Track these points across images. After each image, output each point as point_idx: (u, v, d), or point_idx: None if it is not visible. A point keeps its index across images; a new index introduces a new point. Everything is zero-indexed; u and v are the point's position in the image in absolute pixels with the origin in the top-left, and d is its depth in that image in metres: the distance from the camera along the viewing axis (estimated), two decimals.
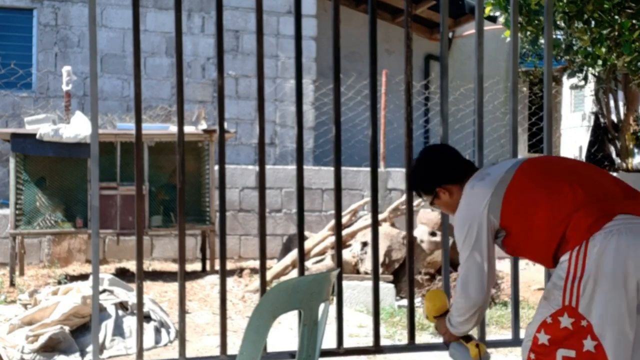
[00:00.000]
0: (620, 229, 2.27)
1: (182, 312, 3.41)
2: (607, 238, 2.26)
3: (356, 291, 5.98)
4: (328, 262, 6.44)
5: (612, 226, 2.27)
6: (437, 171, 2.77)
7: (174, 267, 7.92)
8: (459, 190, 2.68)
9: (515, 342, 3.69)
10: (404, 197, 6.96)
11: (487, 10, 8.59)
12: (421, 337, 4.80)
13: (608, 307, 2.25)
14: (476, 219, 2.54)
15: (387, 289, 5.90)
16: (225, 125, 7.08)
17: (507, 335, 4.59)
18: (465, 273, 2.58)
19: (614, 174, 9.42)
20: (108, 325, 4.72)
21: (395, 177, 8.88)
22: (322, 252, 6.67)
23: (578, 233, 2.31)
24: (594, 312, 2.26)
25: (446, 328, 2.74)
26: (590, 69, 9.60)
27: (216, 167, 7.10)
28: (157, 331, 4.89)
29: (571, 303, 2.30)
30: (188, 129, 7.10)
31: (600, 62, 8.49)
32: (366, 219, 6.78)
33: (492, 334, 5.01)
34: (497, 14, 9.06)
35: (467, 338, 2.71)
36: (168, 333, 4.94)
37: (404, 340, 4.61)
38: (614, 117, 10.65)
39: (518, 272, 3.72)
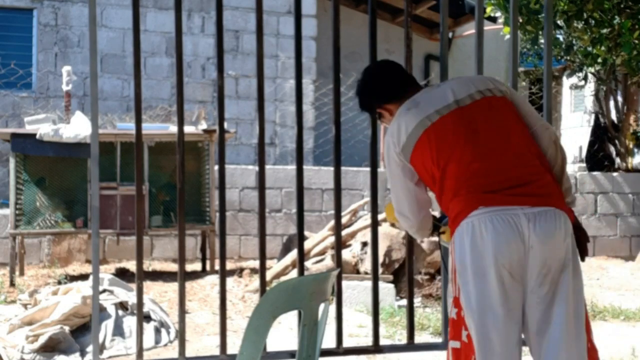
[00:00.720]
0: (479, 220, 2.31)
1: (182, 312, 3.41)
2: (465, 230, 2.33)
3: (356, 291, 5.99)
4: (328, 262, 6.44)
5: (473, 216, 2.32)
6: (374, 91, 2.75)
7: (174, 267, 7.92)
8: (399, 107, 2.65)
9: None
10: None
11: (488, 11, 8.59)
12: (421, 337, 4.80)
13: (470, 298, 2.32)
14: (391, 149, 2.58)
15: (387, 289, 5.90)
16: (225, 125, 7.08)
17: None
18: (396, 199, 2.65)
19: (614, 174, 9.43)
20: (108, 325, 4.72)
21: None
22: (322, 252, 6.67)
23: (451, 218, 2.42)
24: (464, 302, 2.35)
25: None
26: (590, 68, 9.60)
27: (216, 167, 7.10)
28: (157, 331, 4.89)
29: (455, 293, 2.40)
30: (188, 129, 7.10)
31: (600, 61, 8.50)
32: (366, 219, 6.78)
33: None
34: (498, 14, 9.06)
35: (435, 227, 2.76)
36: (168, 333, 4.94)
37: (403, 340, 4.61)
38: (614, 117, 10.65)
39: None
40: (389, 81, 2.73)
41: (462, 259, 2.34)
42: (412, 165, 2.53)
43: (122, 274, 6.96)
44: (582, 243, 2.49)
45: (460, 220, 2.35)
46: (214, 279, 6.86)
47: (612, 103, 10.62)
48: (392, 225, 3.84)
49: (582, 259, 2.48)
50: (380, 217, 6.58)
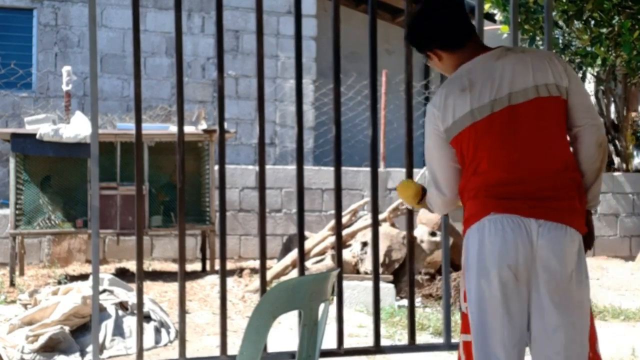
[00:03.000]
0: (490, 221, 2.32)
1: (182, 312, 3.41)
2: (476, 231, 2.34)
3: (356, 291, 5.98)
4: (328, 262, 6.44)
5: (485, 218, 2.33)
6: (426, 33, 2.52)
7: (174, 267, 7.92)
8: (450, 57, 2.51)
9: None
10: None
11: (487, 7, 8.58)
12: (421, 337, 4.80)
13: (472, 296, 2.35)
14: (433, 123, 2.47)
15: (387, 289, 5.90)
16: (225, 125, 7.08)
17: None
18: (432, 173, 2.54)
19: (614, 174, 9.43)
20: (108, 325, 4.72)
21: (395, 177, 8.87)
22: (322, 252, 6.67)
23: (465, 217, 2.42)
24: (467, 299, 2.39)
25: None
26: (589, 68, 9.60)
27: (216, 167, 7.10)
28: (157, 331, 4.89)
29: (465, 288, 2.43)
30: (188, 129, 7.10)
31: (599, 61, 8.49)
32: (366, 219, 6.78)
33: None
34: (495, 11, 9.06)
35: None
36: (168, 333, 4.94)
37: (403, 340, 4.61)
38: (613, 117, 10.65)
39: None
40: (447, 26, 2.49)
41: (469, 257, 2.36)
42: (451, 145, 2.46)
43: (122, 274, 6.96)
44: (586, 242, 2.47)
45: (473, 222, 2.36)
46: (214, 279, 6.86)
47: (612, 103, 10.62)
48: (409, 212, 3.77)
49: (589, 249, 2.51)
50: (380, 217, 6.59)
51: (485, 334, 2.32)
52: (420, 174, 8.39)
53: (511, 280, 2.28)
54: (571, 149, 2.44)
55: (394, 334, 5.05)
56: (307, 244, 6.63)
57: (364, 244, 6.38)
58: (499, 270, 2.28)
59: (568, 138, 2.44)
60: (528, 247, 2.27)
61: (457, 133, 2.41)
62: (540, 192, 2.31)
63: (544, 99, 2.36)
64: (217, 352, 3.67)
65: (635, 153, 10.71)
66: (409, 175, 3.65)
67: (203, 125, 7.33)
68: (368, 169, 4.54)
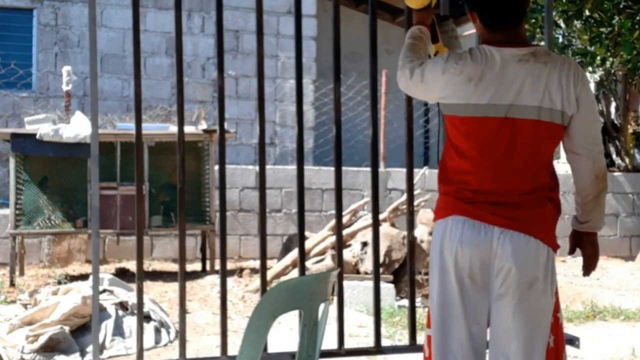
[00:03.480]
0: (453, 221, 2.34)
1: (182, 312, 3.41)
2: (439, 229, 2.40)
3: (356, 291, 5.98)
4: (328, 262, 6.43)
5: (449, 218, 2.36)
6: None
7: (174, 267, 7.92)
8: (483, 31, 2.43)
9: None
10: (404, 197, 6.97)
11: None
12: (420, 337, 4.79)
13: (433, 293, 2.40)
14: (442, 65, 2.40)
15: (387, 289, 5.90)
16: (225, 125, 7.08)
17: None
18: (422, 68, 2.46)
19: (615, 174, 9.43)
20: (108, 325, 4.72)
21: (395, 177, 8.87)
22: (322, 252, 6.67)
23: (436, 207, 2.48)
24: (430, 296, 2.45)
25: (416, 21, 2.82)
26: (589, 68, 9.61)
27: (216, 167, 7.10)
28: (157, 331, 4.89)
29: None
30: (188, 129, 7.10)
31: (599, 61, 8.50)
32: (366, 219, 6.78)
33: None
34: None
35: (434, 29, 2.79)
36: (168, 333, 4.94)
37: (404, 340, 4.61)
38: (614, 118, 10.65)
39: None
40: (498, 2, 2.37)
41: (432, 255, 2.43)
42: (443, 110, 2.42)
43: (122, 274, 6.96)
44: (589, 259, 2.49)
45: (439, 217, 2.42)
46: (214, 279, 6.86)
47: (612, 103, 10.63)
48: (409, 212, 3.74)
49: (585, 274, 2.50)
50: (380, 217, 6.58)
51: (443, 331, 2.37)
52: (420, 174, 8.39)
53: (468, 282, 2.32)
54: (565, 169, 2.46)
55: (394, 334, 5.05)
56: (307, 244, 6.63)
57: (364, 244, 6.37)
58: (455, 271, 2.32)
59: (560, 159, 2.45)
60: (486, 253, 2.29)
61: (449, 113, 2.39)
62: (507, 205, 2.31)
63: (542, 123, 2.29)
64: (217, 352, 3.67)
65: (635, 153, 10.71)
66: (409, 176, 3.65)
67: (203, 125, 7.33)
68: (368, 169, 4.54)
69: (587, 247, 2.48)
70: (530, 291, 2.27)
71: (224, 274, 3.45)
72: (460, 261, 2.31)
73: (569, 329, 5.23)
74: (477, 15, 2.42)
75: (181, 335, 3.40)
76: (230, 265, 7.45)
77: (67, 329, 4.53)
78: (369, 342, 3.93)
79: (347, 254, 6.33)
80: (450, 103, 2.37)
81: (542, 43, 4.79)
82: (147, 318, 4.90)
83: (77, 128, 6.91)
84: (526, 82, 2.28)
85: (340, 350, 3.52)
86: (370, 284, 4.35)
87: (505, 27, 2.36)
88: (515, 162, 2.31)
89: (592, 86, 11.02)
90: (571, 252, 2.53)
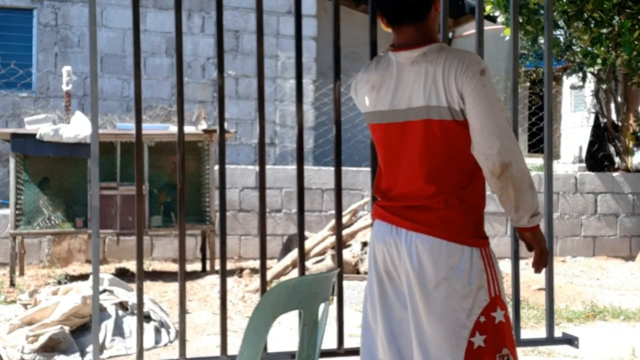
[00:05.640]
0: (375, 226, 2.48)
1: (182, 312, 3.41)
2: (372, 233, 2.52)
3: (356, 291, 5.98)
4: (328, 262, 6.43)
5: (375, 223, 2.48)
6: None
7: (174, 267, 7.92)
8: (391, 31, 2.42)
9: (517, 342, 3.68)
10: None
11: (488, 9, 8.58)
12: None
13: (366, 287, 2.53)
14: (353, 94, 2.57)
15: None
16: (225, 125, 7.08)
17: None
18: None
19: (614, 174, 9.43)
20: (108, 325, 4.72)
21: None
22: (322, 252, 6.67)
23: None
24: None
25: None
26: (589, 68, 9.61)
27: (216, 167, 7.10)
28: (157, 331, 4.89)
29: None
30: (188, 129, 7.10)
31: (599, 61, 8.50)
32: (366, 219, 6.78)
33: None
34: (497, 13, 9.06)
35: None
36: (168, 333, 4.94)
37: None
38: (614, 117, 10.65)
39: (519, 272, 3.71)
40: None
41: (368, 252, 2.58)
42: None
43: (122, 274, 6.96)
44: (535, 256, 2.44)
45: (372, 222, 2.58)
46: (214, 279, 6.86)
47: (612, 103, 10.63)
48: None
49: (535, 270, 2.46)
50: None
51: (367, 324, 2.49)
52: None
53: (385, 278, 2.43)
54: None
55: None
56: (307, 244, 6.63)
57: (364, 244, 6.37)
58: (376, 269, 2.45)
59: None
60: (395, 253, 2.37)
61: (369, 122, 2.49)
62: (415, 208, 2.34)
63: (433, 122, 2.28)
64: (217, 352, 3.67)
65: (635, 151, 10.71)
66: None
67: (203, 125, 7.33)
68: (368, 169, 4.54)
69: (527, 244, 2.44)
70: (437, 291, 2.29)
71: (224, 274, 3.45)
72: (378, 257, 2.44)
73: (568, 328, 5.24)
74: (380, 11, 2.43)
75: (181, 335, 3.40)
76: (230, 265, 7.46)
77: (67, 329, 4.53)
78: None
79: (347, 254, 6.33)
80: (365, 112, 2.48)
81: (542, 41, 4.78)
82: (147, 318, 4.90)
83: (77, 128, 6.91)
84: (416, 83, 2.29)
85: (340, 350, 3.52)
86: None
87: (404, 25, 2.35)
88: (418, 164, 2.33)
89: (592, 85, 11.03)
90: (529, 249, 2.46)
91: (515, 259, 3.69)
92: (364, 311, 2.53)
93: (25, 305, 5.23)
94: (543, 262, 2.43)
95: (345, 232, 6.46)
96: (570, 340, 3.57)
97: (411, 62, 2.32)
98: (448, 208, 2.31)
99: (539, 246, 2.41)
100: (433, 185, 2.31)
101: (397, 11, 2.34)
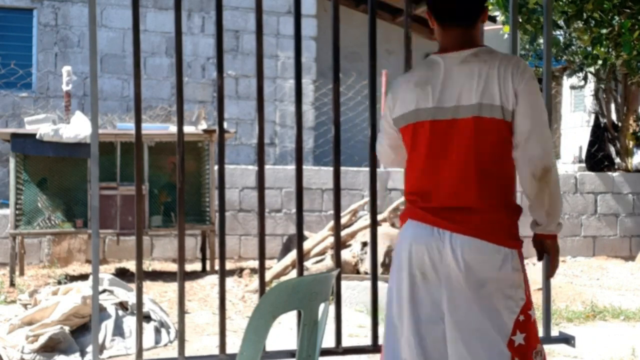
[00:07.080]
0: (410, 225, 2.42)
1: (182, 312, 3.41)
2: (400, 234, 2.48)
3: (356, 291, 5.98)
4: (328, 262, 6.44)
5: (408, 224, 2.44)
6: None
7: (174, 267, 7.92)
8: (438, 33, 2.46)
9: None
10: (403, 197, 6.95)
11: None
12: None
13: (389, 289, 2.51)
14: (386, 109, 2.58)
15: (386, 289, 5.89)
16: (225, 125, 7.07)
17: None
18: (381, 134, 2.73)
19: (614, 174, 9.43)
20: (108, 325, 4.72)
21: (395, 177, 8.87)
22: (322, 252, 6.67)
23: (400, 215, 2.54)
24: (387, 295, 2.54)
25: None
26: (589, 68, 9.62)
27: (216, 167, 7.10)
28: (157, 331, 4.89)
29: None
30: (188, 129, 7.11)
31: (600, 61, 8.50)
32: (366, 219, 6.78)
33: None
34: (497, 13, 9.07)
35: None
36: (168, 333, 4.94)
37: None
38: (614, 117, 10.66)
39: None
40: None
41: (393, 257, 2.50)
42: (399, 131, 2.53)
43: (122, 274, 6.96)
44: (550, 262, 2.50)
45: (402, 223, 2.50)
46: (214, 279, 6.86)
47: (612, 103, 10.63)
48: None
49: (548, 277, 2.54)
50: (380, 217, 6.59)
51: (390, 328, 2.46)
52: None
53: (419, 278, 2.38)
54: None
55: None
56: (307, 244, 6.63)
57: (364, 244, 6.37)
58: (409, 269, 2.39)
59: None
60: (436, 255, 2.32)
61: (402, 125, 2.46)
62: (459, 209, 2.33)
63: (483, 120, 2.30)
64: (217, 352, 3.67)
65: (635, 151, 10.72)
66: None
67: (203, 125, 7.33)
68: (368, 169, 4.54)
69: (539, 251, 2.48)
70: (483, 291, 2.30)
71: (223, 274, 3.45)
72: (414, 257, 2.37)
73: (568, 328, 5.23)
74: (431, 12, 2.46)
75: (181, 335, 3.41)
76: (230, 265, 7.46)
77: (67, 329, 4.53)
78: (369, 342, 3.92)
79: (347, 254, 6.33)
80: (402, 113, 2.45)
81: (541, 42, 4.79)
82: (147, 318, 4.90)
83: (77, 128, 6.91)
84: (467, 81, 2.32)
85: (338, 349, 3.52)
86: (370, 283, 4.34)
87: (454, 27, 2.40)
88: (464, 165, 2.33)
89: (592, 85, 11.04)
90: (539, 258, 2.52)
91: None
92: (388, 310, 2.49)
93: (25, 305, 5.23)
94: (555, 269, 2.53)
95: (345, 232, 6.46)
96: (567, 340, 3.57)
97: (461, 62, 2.35)
98: (493, 211, 2.32)
99: (556, 253, 2.50)
100: (480, 187, 2.32)
101: (451, 11, 2.40)
